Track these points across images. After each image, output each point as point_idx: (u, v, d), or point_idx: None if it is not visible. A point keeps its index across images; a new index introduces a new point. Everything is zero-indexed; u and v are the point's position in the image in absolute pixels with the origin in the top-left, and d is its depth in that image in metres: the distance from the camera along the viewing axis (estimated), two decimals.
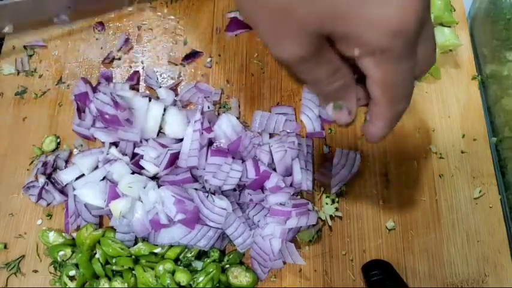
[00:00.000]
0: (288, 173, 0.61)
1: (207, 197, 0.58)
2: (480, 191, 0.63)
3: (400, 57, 0.36)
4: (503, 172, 0.67)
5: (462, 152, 0.66)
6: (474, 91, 0.70)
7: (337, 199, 0.63)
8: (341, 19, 0.34)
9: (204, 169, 0.59)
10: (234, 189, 0.61)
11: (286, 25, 0.35)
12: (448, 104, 0.69)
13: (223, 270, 0.58)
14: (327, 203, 0.62)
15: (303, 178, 0.60)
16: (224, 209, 0.57)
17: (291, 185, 0.60)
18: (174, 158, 0.61)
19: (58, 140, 0.68)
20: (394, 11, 0.33)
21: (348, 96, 0.42)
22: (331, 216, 0.62)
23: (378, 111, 0.40)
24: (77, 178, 0.62)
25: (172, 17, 0.77)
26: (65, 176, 0.62)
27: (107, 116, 0.61)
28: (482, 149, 0.66)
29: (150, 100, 0.65)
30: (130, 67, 0.73)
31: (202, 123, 0.61)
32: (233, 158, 0.60)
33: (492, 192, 0.63)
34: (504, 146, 0.68)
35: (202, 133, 0.61)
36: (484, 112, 0.68)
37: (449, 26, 0.72)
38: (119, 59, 0.73)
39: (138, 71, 0.72)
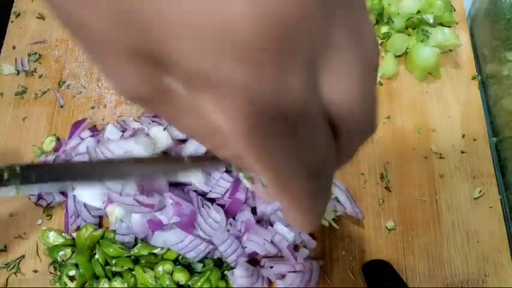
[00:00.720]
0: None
1: (202, 205, 0.57)
2: (480, 191, 0.63)
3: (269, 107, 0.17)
4: (503, 172, 0.67)
5: (462, 152, 0.66)
6: (474, 91, 0.70)
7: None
8: (155, 28, 0.16)
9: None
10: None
11: (105, 49, 0.18)
12: (448, 104, 0.69)
13: (224, 275, 0.58)
14: None
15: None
16: (217, 222, 0.57)
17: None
18: None
19: (58, 140, 0.68)
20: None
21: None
22: (333, 220, 0.61)
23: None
24: None
25: None
26: None
27: None
28: (482, 149, 0.66)
29: None
30: None
31: None
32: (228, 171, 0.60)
33: (492, 192, 0.63)
34: (504, 146, 0.68)
35: None
36: (484, 112, 0.68)
37: (449, 26, 0.72)
38: None
39: None
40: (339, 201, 0.62)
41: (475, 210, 0.63)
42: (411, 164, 0.65)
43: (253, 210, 0.60)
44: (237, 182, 0.59)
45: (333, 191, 0.63)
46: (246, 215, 0.58)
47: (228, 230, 0.57)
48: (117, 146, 0.58)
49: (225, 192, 0.59)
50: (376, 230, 0.62)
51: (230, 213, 0.59)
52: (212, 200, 0.59)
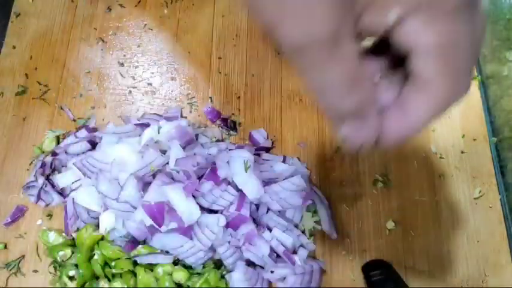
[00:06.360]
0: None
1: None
2: (480, 191, 0.63)
3: (458, 11, 0.26)
4: (503, 172, 0.67)
5: (462, 152, 0.66)
6: (474, 91, 0.70)
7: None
8: None
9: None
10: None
11: None
12: None
13: (222, 276, 0.58)
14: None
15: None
16: (214, 233, 0.56)
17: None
18: None
19: (58, 140, 0.68)
20: None
21: (367, 113, 0.29)
22: (310, 231, 0.60)
23: (429, 94, 0.28)
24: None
25: (172, 17, 0.77)
26: (61, 179, 0.62)
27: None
28: (482, 149, 0.66)
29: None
30: (130, 67, 0.73)
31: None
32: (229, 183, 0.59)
33: (492, 192, 0.63)
34: (504, 146, 0.68)
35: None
36: (484, 112, 0.68)
37: None
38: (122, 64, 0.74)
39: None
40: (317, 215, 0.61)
41: (475, 210, 0.63)
42: (411, 164, 0.65)
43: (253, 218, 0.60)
44: (242, 197, 0.57)
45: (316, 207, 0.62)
46: (248, 227, 0.57)
47: (229, 242, 0.57)
48: (106, 156, 0.59)
49: (229, 205, 0.57)
50: (376, 230, 0.62)
51: (233, 227, 0.58)
52: (212, 211, 0.58)
